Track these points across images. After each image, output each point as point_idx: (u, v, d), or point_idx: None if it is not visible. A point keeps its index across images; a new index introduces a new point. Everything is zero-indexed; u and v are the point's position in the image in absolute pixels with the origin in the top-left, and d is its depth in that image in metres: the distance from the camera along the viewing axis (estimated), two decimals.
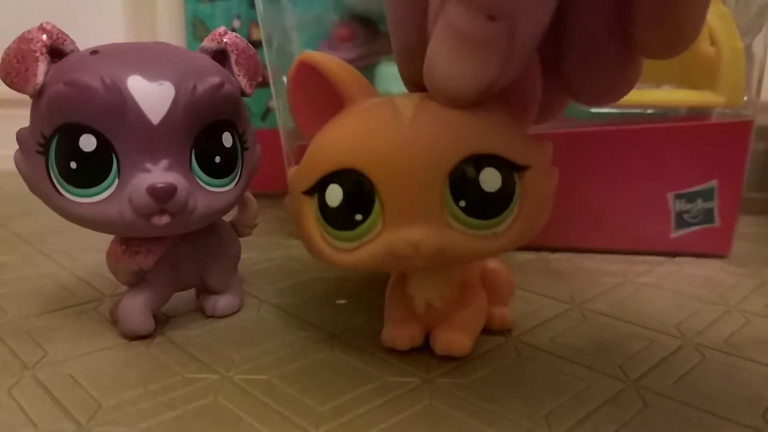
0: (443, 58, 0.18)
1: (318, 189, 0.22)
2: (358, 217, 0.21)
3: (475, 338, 0.26)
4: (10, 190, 0.58)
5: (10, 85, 0.24)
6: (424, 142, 0.20)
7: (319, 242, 0.23)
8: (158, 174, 0.24)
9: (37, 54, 0.24)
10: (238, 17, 0.57)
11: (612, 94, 0.21)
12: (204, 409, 0.22)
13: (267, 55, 0.41)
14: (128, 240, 0.26)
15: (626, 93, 0.21)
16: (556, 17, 0.19)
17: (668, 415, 0.21)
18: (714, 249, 0.40)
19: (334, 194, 0.21)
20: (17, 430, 0.20)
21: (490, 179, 0.20)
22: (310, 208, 0.23)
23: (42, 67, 0.24)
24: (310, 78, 0.23)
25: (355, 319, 0.29)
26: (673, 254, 0.40)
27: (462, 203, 0.20)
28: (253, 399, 0.22)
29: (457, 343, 0.25)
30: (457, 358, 0.25)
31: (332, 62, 0.22)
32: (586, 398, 0.22)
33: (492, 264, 0.28)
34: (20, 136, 0.25)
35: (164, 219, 0.24)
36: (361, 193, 0.21)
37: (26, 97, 0.25)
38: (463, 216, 0.21)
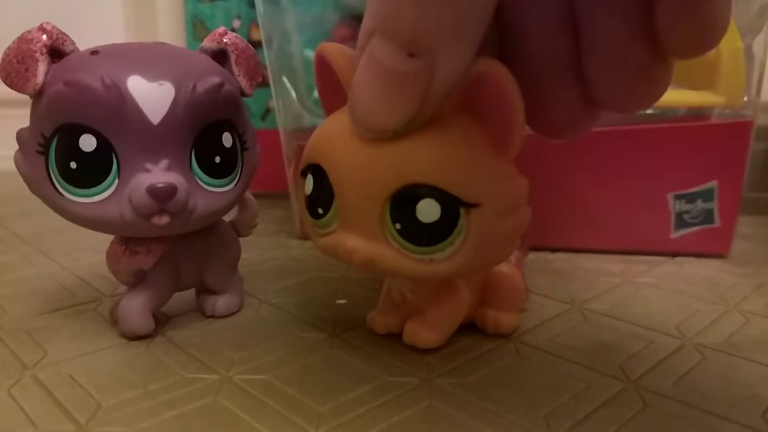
0: (365, 90, 0.19)
1: (303, 173, 0.23)
2: (320, 211, 0.23)
3: (447, 333, 0.26)
4: (10, 190, 0.58)
5: (10, 86, 0.24)
6: (373, 159, 0.20)
7: (305, 217, 0.24)
8: (158, 174, 0.24)
9: (37, 54, 0.24)
10: (238, 17, 0.57)
11: (641, 100, 0.20)
12: (204, 409, 0.22)
13: (267, 55, 0.41)
14: (128, 240, 0.26)
15: (657, 98, 0.20)
16: (574, 30, 0.19)
17: (668, 415, 0.21)
18: (714, 249, 0.40)
19: (309, 183, 0.23)
20: (17, 430, 0.20)
21: (427, 211, 0.20)
22: (302, 187, 0.24)
23: (42, 68, 0.24)
24: (324, 68, 0.23)
25: (355, 319, 0.29)
26: (673, 254, 0.40)
27: (397, 226, 0.21)
28: (253, 399, 0.22)
29: (422, 336, 0.26)
30: (457, 358, 0.25)
31: (339, 55, 0.23)
32: (586, 398, 0.22)
33: (503, 268, 0.28)
34: (20, 136, 0.25)
35: (164, 219, 0.24)
36: (323, 189, 0.22)
37: (26, 98, 0.25)
38: (398, 237, 0.21)
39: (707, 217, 0.39)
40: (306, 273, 0.37)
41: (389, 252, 0.21)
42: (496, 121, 0.20)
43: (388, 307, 0.28)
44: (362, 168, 0.21)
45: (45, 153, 0.24)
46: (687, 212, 0.39)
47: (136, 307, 0.27)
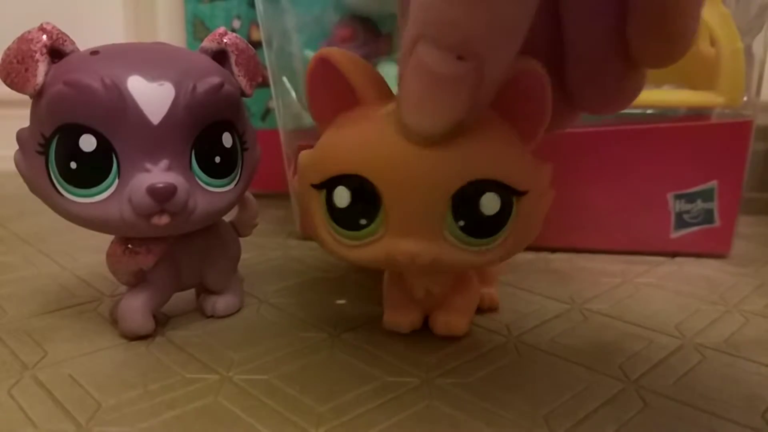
0: (415, 95, 0.19)
1: (327, 186, 0.23)
2: (363, 221, 0.22)
3: (471, 319, 0.28)
4: (10, 191, 0.58)
5: (10, 86, 0.24)
6: (432, 162, 0.21)
7: (324, 234, 0.24)
8: (158, 174, 0.24)
9: (37, 54, 0.24)
10: (238, 17, 0.57)
11: (615, 105, 0.22)
12: (204, 409, 0.22)
13: (267, 56, 0.41)
14: (128, 240, 0.26)
15: (629, 103, 0.22)
16: (559, 35, 0.21)
17: (668, 415, 0.21)
18: (714, 249, 0.40)
19: (342, 196, 0.22)
20: (17, 430, 0.20)
21: (490, 204, 0.21)
22: (317, 200, 0.23)
23: (42, 68, 0.24)
24: (327, 73, 0.23)
25: (355, 319, 0.29)
26: (673, 254, 0.40)
27: (461, 223, 0.22)
28: (253, 399, 0.22)
29: (455, 324, 0.27)
30: (457, 358, 0.25)
31: (349, 60, 0.23)
32: (586, 398, 0.22)
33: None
34: (20, 137, 0.25)
35: (164, 219, 0.24)
36: (367, 200, 0.22)
37: (26, 98, 0.25)
38: (460, 234, 0.22)
39: (707, 217, 0.39)
40: (306, 273, 0.37)
41: (449, 249, 0.22)
42: (529, 114, 0.21)
43: (402, 305, 0.28)
44: (421, 172, 0.21)
45: (45, 153, 0.24)
46: (687, 212, 0.39)
47: (136, 307, 0.27)
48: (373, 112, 0.22)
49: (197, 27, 0.59)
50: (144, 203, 0.24)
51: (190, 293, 0.31)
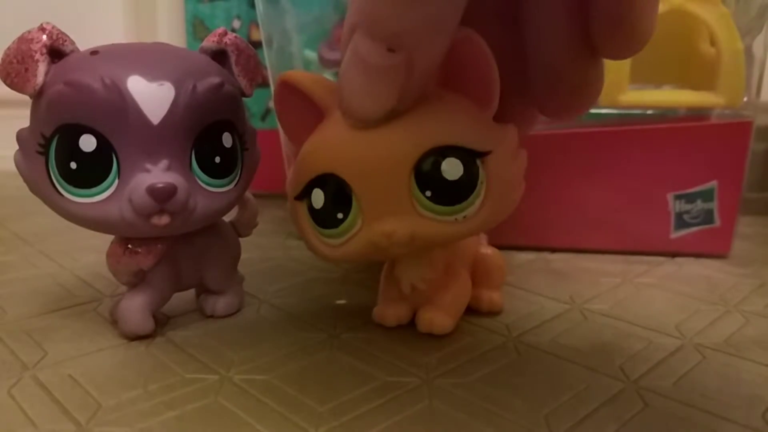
0: (350, 82, 0.20)
1: (305, 194, 0.24)
2: (340, 215, 0.23)
3: (458, 318, 0.28)
4: (11, 191, 0.58)
5: (10, 86, 0.24)
6: (387, 142, 0.22)
7: (314, 241, 0.25)
8: (158, 174, 0.24)
9: (37, 54, 0.24)
10: (238, 17, 0.57)
11: (573, 111, 0.24)
12: (204, 409, 0.22)
13: (267, 56, 0.41)
14: (128, 240, 0.26)
15: (586, 110, 0.24)
16: (516, 44, 0.22)
17: (668, 415, 0.21)
18: (714, 249, 0.40)
19: (318, 197, 0.24)
20: (17, 430, 0.20)
21: (451, 169, 0.22)
22: (303, 211, 0.25)
23: (42, 68, 0.24)
24: (291, 94, 0.25)
25: (355, 319, 0.29)
26: (673, 254, 0.40)
27: (428, 193, 0.22)
28: (253, 399, 0.22)
29: (438, 323, 0.27)
30: (457, 358, 0.25)
31: (308, 79, 0.24)
32: (586, 398, 0.22)
33: (485, 249, 0.30)
34: (20, 137, 0.25)
35: (164, 219, 0.24)
36: (339, 194, 0.23)
37: (26, 98, 0.25)
38: (430, 204, 0.22)
39: (707, 217, 0.39)
40: (306, 273, 0.37)
41: (425, 222, 0.23)
42: (477, 80, 0.22)
43: (393, 299, 0.28)
44: (377, 152, 0.22)
45: (45, 153, 0.24)
46: (687, 212, 0.39)
47: (136, 307, 0.27)
48: (331, 117, 0.24)
49: (197, 27, 0.59)
50: (144, 203, 0.24)
51: (190, 293, 0.31)
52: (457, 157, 0.22)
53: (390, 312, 0.28)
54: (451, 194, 0.22)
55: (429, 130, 0.22)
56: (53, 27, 0.24)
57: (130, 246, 0.26)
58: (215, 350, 0.26)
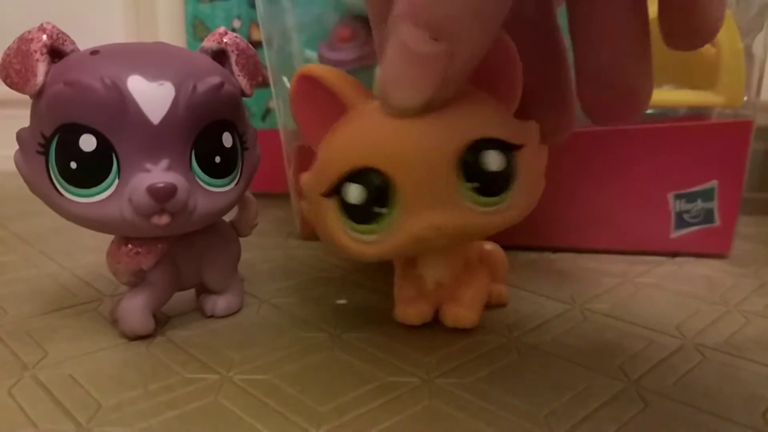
0: (390, 69, 0.20)
1: (337, 190, 0.23)
2: (380, 210, 0.23)
3: (481, 312, 0.29)
4: (11, 191, 0.58)
5: (11, 86, 0.24)
6: (431, 134, 0.22)
7: (345, 239, 0.24)
8: (158, 174, 0.24)
9: (37, 54, 0.24)
10: (239, 17, 0.57)
11: (626, 115, 0.23)
12: (204, 409, 0.22)
13: (267, 56, 0.41)
14: (128, 240, 0.26)
15: (638, 114, 0.23)
16: (556, 60, 0.23)
17: (668, 415, 0.21)
18: (714, 249, 0.40)
19: (354, 193, 0.23)
20: (17, 430, 0.20)
21: (495, 160, 0.22)
22: (331, 209, 0.24)
23: (42, 68, 0.24)
24: (311, 89, 0.24)
25: (356, 319, 0.29)
26: (674, 254, 0.40)
27: (475, 185, 0.22)
28: (254, 399, 0.22)
29: (464, 316, 0.28)
30: (457, 358, 0.25)
31: (331, 73, 0.24)
32: (587, 398, 0.22)
33: (488, 246, 0.31)
34: (20, 136, 0.25)
35: (164, 219, 0.24)
36: (380, 188, 0.22)
37: (26, 98, 0.25)
38: (475, 196, 0.22)
39: (707, 216, 0.39)
40: (306, 273, 0.37)
41: (470, 214, 0.23)
42: (503, 78, 0.23)
43: (412, 298, 0.28)
44: (423, 143, 0.22)
45: (45, 153, 0.24)
46: (687, 212, 0.39)
47: (136, 307, 0.27)
48: (363, 109, 0.23)
49: (197, 27, 0.59)
50: (144, 203, 0.24)
51: (190, 293, 0.31)
52: (499, 149, 0.22)
53: (412, 311, 0.28)
54: (495, 185, 0.23)
55: (472, 123, 0.22)
56: (53, 27, 0.24)
57: (130, 246, 0.26)
58: (216, 350, 0.26)
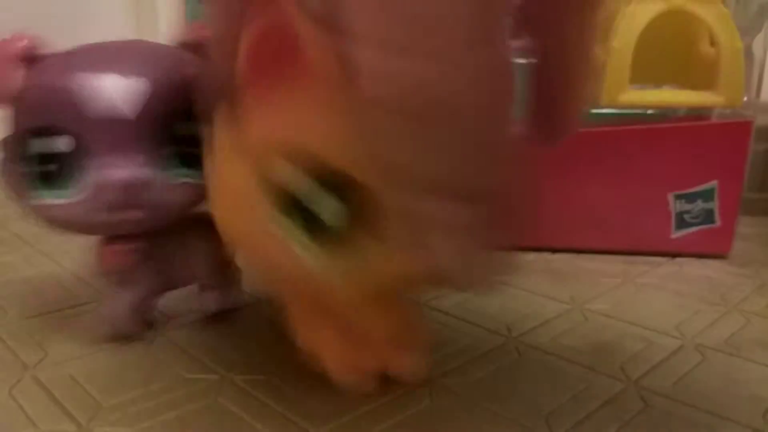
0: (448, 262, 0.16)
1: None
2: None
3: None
4: None
5: None
6: None
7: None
8: (127, 169, 0.24)
9: (10, 61, 0.24)
10: None
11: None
12: (205, 409, 0.22)
13: None
14: (109, 240, 0.26)
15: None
16: None
17: (668, 415, 0.21)
18: (714, 249, 0.40)
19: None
20: (18, 430, 0.20)
21: None
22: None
23: (18, 74, 0.24)
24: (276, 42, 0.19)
25: None
26: (674, 255, 0.40)
27: None
28: (254, 399, 0.22)
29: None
30: (458, 358, 0.25)
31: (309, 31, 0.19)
32: (587, 398, 0.22)
33: None
34: (2, 144, 0.25)
35: (134, 213, 0.24)
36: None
37: None
38: None
39: (707, 217, 0.39)
40: None
41: None
42: None
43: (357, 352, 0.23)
44: None
45: (20, 157, 0.24)
46: (687, 212, 0.39)
47: (121, 307, 0.27)
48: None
49: None
50: (112, 197, 0.23)
51: (191, 292, 0.31)
52: None
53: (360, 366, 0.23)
54: None
55: None
56: (29, 33, 0.24)
57: (110, 246, 0.26)
58: (216, 350, 0.26)
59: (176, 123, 0.25)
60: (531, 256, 0.40)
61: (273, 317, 0.30)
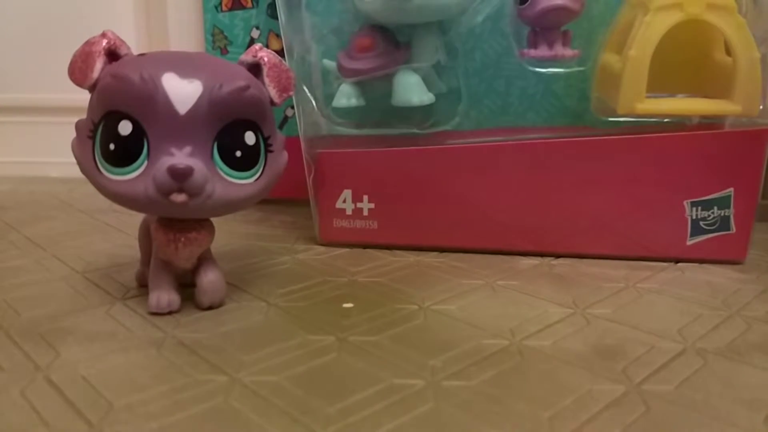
0: None
1: None
2: None
3: None
4: (24, 196, 0.59)
5: (74, 81, 0.29)
6: None
7: None
8: (180, 157, 0.27)
9: (96, 55, 0.28)
10: (257, 27, 0.57)
11: None
12: (214, 410, 0.22)
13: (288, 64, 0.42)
14: (178, 234, 0.29)
15: None
16: None
17: (670, 419, 0.22)
18: (729, 256, 0.40)
19: None
20: (30, 430, 0.21)
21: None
22: None
23: (99, 65, 0.28)
24: None
25: (362, 322, 0.30)
26: (676, 260, 0.40)
27: None
28: (262, 400, 0.23)
29: None
30: (461, 361, 0.26)
31: None
32: (589, 402, 0.23)
33: None
34: (77, 125, 0.30)
35: (181, 197, 0.27)
36: None
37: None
38: None
39: (723, 224, 0.39)
40: (313, 277, 0.37)
41: None
42: None
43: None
44: None
45: (93, 137, 0.28)
46: (703, 219, 0.39)
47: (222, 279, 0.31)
48: None
49: (216, 36, 0.60)
50: (163, 180, 0.26)
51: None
52: None
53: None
54: None
55: None
56: (112, 34, 0.29)
57: (183, 238, 0.29)
58: (225, 352, 0.26)
59: (228, 126, 0.28)
60: (534, 261, 0.40)
61: (279, 318, 0.30)
